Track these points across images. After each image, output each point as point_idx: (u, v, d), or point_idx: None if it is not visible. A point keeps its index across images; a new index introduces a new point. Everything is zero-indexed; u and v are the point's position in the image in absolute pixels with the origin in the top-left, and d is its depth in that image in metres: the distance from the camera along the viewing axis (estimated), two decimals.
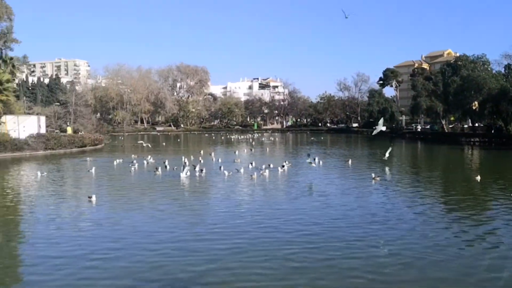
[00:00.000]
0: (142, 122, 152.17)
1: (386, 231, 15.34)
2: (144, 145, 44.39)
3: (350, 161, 38.38)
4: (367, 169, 34.30)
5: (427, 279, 10.88)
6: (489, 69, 77.50)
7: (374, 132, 28.00)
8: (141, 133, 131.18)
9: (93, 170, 32.10)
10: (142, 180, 28.53)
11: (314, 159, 32.61)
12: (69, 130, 70.34)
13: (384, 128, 27.92)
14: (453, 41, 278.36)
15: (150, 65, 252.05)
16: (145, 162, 37.46)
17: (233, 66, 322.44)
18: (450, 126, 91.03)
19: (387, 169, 32.50)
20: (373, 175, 28.57)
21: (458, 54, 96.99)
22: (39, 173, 30.62)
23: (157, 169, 32.19)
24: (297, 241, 14.00)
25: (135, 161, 37.05)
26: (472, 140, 72.39)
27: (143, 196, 22.63)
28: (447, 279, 10.87)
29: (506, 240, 14.15)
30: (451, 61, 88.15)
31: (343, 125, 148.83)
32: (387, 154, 32.13)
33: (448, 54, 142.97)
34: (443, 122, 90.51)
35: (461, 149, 60.68)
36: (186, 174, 28.62)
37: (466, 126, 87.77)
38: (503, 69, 76.07)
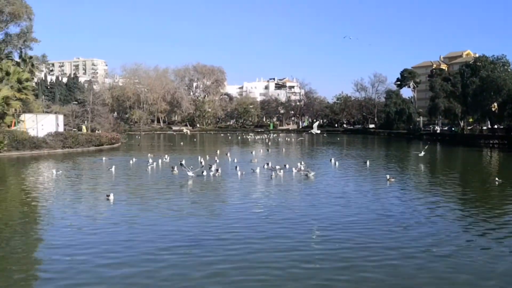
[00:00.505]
0: (158, 121, 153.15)
1: (403, 233, 15.09)
2: (185, 131, 44.27)
3: (368, 162, 38.03)
4: (384, 170, 33.97)
5: (442, 282, 10.69)
6: (509, 70, 76.26)
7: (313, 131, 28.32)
8: (157, 132, 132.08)
9: (113, 169, 32.39)
10: (159, 179, 28.63)
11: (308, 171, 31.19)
12: (84, 129, 71.02)
13: (319, 132, 28.56)
14: (472, 42, 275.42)
15: (167, 64, 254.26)
16: (165, 160, 37.76)
17: (250, 66, 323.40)
18: (469, 127, 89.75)
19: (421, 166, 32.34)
20: (387, 176, 28.27)
21: (477, 55, 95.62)
22: (54, 172, 30.97)
23: (173, 168, 32.33)
24: (312, 242, 13.89)
25: (151, 160, 37.29)
26: (491, 142, 71.23)
27: (159, 195, 22.67)
28: (463, 283, 10.67)
29: None
30: (470, 62, 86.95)
31: (359, 126, 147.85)
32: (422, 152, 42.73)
33: (467, 54, 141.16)
34: (462, 123, 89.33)
35: (480, 151, 59.77)
36: (193, 173, 28.42)
37: (485, 128, 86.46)
38: None
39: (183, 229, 15.48)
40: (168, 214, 18.05)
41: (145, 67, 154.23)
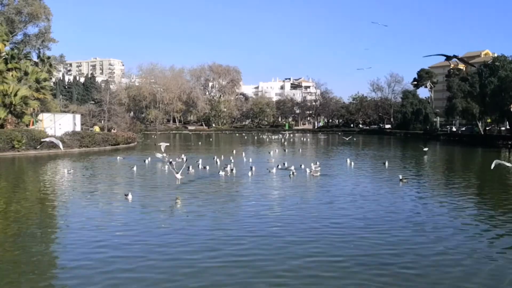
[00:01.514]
0: (174, 121, 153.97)
1: (415, 237, 14.88)
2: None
3: (386, 163, 37.65)
4: (401, 170, 33.63)
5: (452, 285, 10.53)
6: None
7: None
8: (173, 132, 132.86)
9: (134, 168, 32.55)
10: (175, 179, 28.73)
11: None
12: (96, 129, 71.55)
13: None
14: (490, 41, 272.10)
15: (182, 64, 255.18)
16: (177, 160, 37.78)
17: (265, 66, 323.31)
18: (487, 128, 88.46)
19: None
20: (400, 176, 27.97)
21: (496, 55, 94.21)
22: (66, 171, 31.42)
23: (189, 168, 32.41)
24: (320, 241, 13.80)
25: (167, 160, 37.42)
26: (510, 143, 70.01)
27: (176, 195, 22.71)
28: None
29: None
30: (489, 62, 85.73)
31: (375, 126, 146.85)
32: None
33: (486, 54, 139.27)
34: (479, 124, 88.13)
35: (498, 152, 58.82)
36: (181, 176, 25.79)
37: (503, 128, 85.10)
38: None
39: (200, 231, 15.47)
40: (184, 215, 18.07)
41: (161, 67, 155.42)
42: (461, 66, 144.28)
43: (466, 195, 23.50)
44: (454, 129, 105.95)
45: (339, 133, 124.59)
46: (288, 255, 12.64)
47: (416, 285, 10.63)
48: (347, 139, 72.52)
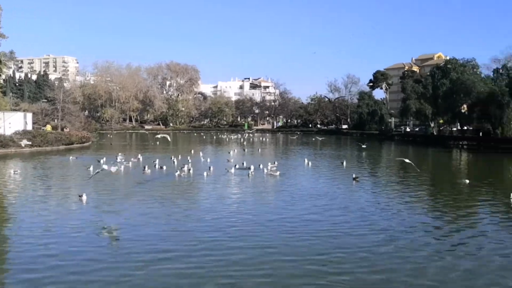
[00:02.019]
0: (130, 120, 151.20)
1: (368, 235, 15.05)
2: (159, 136, 43.34)
3: (345, 162, 38.13)
4: (358, 169, 34.13)
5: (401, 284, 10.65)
6: (478, 72, 78.17)
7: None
8: (130, 131, 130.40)
9: (91, 168, 31.43)
10: (130, 180, 28.06)
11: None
12: (48, 128, 69.14)
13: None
14: (443, 45, 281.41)
15: (139, 62, 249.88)
16: (132, 161, 36.94)
17: (224, 66, 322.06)
18: (440, 128, 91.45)
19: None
20: (353, 175, 28.43)
21: (448, 57, 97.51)
22: (12, 172, 30.20)
23: (145, 168, 31.78)
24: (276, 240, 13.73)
25: (123, 160, 36.55)
26: (461, 143, 72.68)
27: (131, 195, 22.14)
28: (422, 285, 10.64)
29: (488, 245, 13.85)
30: (441, 64, 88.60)
31: (333, 126, 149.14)
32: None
33: (439, 57, 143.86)
34: (432, 124, 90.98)
35: (450, 152, 60.92)
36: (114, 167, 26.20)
37: (455, 129, 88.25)
38: (492, 73, 76.72)
39: (156, 232, 15.07)
40: (139, 216, 17.61)
41: (117, 65, 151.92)
42: (415, 68, 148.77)
43: (418, 194, 24.07)
44: (408, 129, 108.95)
45: (298, 133, 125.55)
46: (242, 255, 12.50)
47: (368, 282, 10.68)
48: (320, 139, 73.94)
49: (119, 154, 42.06)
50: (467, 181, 26.83)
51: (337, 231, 15.29)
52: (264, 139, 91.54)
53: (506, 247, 13.83)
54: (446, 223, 17.17)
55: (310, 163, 37.38)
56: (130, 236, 14.52)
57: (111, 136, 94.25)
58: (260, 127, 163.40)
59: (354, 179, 27.70)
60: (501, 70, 73.45)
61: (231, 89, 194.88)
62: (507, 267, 12.02)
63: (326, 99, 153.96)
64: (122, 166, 33.47)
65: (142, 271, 11.18)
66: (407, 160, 27.27)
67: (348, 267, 11.73)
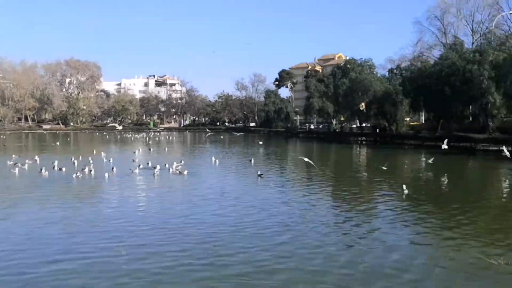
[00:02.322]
0: (26, 119, 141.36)
1: (276, 234, 15.20)
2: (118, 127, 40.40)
3: (253, 160, 38.41)
4: (266, 167, 34.59)
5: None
6: (374, 72, 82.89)
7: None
8: (26, 131, 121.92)
9: None
10: (26, 182, 26.04)
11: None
12: None
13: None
14: (345, 45, 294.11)
15: (35, 58, 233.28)
16: (27, 162, 34.30)
17: (128, 62, 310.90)
18: (342, 126, 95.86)
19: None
20: (259, 172, 28.81)
21: (348, 58, 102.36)
22: None
23: (42, 170, 29.68)
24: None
25: (17, 162, 33.88)
26: (360, 139, 76.78)
27: (29, 199, 20.49)
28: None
29: (387, 238, 14.51)
30: (341, 64, 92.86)
31: (241, 124, 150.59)
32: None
33: (339, 57, 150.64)
34: (334, 122, 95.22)
35: (350, 147, 64.11)
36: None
37: (354, 126, 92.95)
38: (387, 73, 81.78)
39: (57, 236, 14.01)
40: (35, 220, 16.29)
41: (11, 60, 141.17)
42: (318, 68, 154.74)
43: (322, 189, 24.86)
44: (312, 127, 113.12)
45: (206, 130, 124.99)
46: (140, 258, 11.99)
47: (275, 280, 10.70)
48: (237, 134, 74.91)
49: (13, 155, 38.98)
50: (366, 174, 28.24)
51: (241, 230, 15.20)
52: (171, 138, 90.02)
53: (401, 238, 14.65)
54: (347, 218, 17.80)
55: (217, 161, 37.22)
56: (20, 241, 13.36)
57: (4, 137, 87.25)
58: (166, 125, 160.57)
59: (259, 175, 28.04)
60: (395, 70, 78.45)
61: (136, 87, 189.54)
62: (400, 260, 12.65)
63: (234, 97, 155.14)
64: (17, 169, 31.13)
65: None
66: (306, 159, 28.10)
67: (249, 266, 11.63)
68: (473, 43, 76.69)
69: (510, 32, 69.76)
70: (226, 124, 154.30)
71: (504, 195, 23.65)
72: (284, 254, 12.52)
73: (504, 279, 10.77)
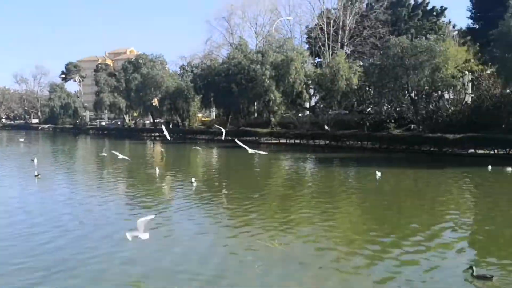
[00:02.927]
0: None
1: (58, 238, 14.10)
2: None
3: (35, 160, 34.56)
4: (51, 166, 31.78)
5: None
6: (166, 68, 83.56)
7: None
8: None
9: None
10: None
11: None
12: None
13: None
14: (137, 40, 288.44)
15: None
16: None
17: None
18: (134, 121, 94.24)
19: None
20: (36, 172, 26.60)
21: (139, 53, 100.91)
22: None
23: None
24: None
25: None
26: (153, 135, 76.71)
27: None
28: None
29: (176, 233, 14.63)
30: (133, 59, 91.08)
31: (21, 121, 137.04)
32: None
33: (131, 52, 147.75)
34: (127, 117, 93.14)
35: (144, 144, 63.56)
36: None
37: (148, 122, 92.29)
38: (179, 69, 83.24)
39: None
40: None
41: None
42: (109, 61, 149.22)
43: (113, 187, 23.96)
44: (103, 123, 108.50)
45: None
46: None
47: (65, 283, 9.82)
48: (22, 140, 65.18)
49: None
50: (158, 170, 28.07)
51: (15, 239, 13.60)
52: None
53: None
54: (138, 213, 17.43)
55: None
56: None
57: None
58: None
59: (36, 176, 25.74)
60: (186, 67, 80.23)
61: None
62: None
63: (12, 91, 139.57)
64: None
65: None
66: (117, 153, 27.21)
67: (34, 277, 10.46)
68: (257, 44, 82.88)
69: (287, 36, 77.60)
70: (3, 121, 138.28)
71: (284, 183, 26.18)
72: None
73: (280, 258, 11.72)
